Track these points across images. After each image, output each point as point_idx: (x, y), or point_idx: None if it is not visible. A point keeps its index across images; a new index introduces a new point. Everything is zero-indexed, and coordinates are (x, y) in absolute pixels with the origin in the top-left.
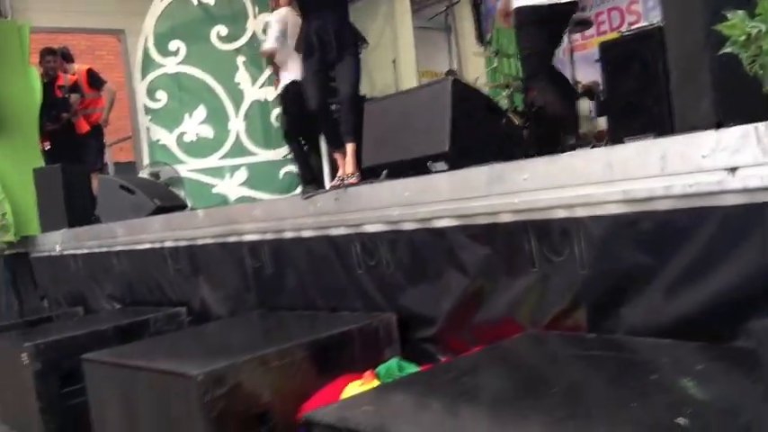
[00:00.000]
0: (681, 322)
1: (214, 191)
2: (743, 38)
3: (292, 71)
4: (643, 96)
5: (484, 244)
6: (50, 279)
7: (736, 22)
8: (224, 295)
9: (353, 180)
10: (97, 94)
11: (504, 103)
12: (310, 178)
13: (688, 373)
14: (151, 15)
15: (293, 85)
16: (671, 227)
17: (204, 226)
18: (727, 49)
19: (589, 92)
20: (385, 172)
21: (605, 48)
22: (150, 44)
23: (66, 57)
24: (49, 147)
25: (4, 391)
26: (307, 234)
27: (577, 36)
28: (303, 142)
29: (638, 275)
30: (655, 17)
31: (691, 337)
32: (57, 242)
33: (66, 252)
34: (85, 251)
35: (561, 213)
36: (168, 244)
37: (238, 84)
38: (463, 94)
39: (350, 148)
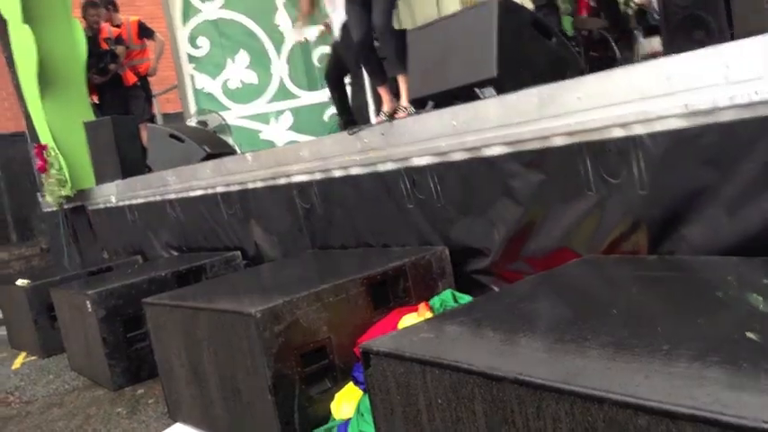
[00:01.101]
0: (746, 239)
1: (262, 137)
2: None
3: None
4: (700, 10)
5: (537, 170)
6: (108, 230)
7: None
8: (277, 237)
9: (403, 114)
10: (143, 45)
11: None
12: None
13: (755, 288)
14: None
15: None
16: (736, 139)
17: (253, 169)
18: None
19: (641, 11)
20: (431, 103)
21: None
22: None
23: (114, 6)
24: (97, 100)
25: (73, 339)
26: (355, 171)
27: None
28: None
29: (701, 193)
30: None
31: (756, 254)
32: (112, 194)
33: (121, 203)
34: (140, 201)
35: (618, 132)
36: (220, 189)
37: (278, 26)
38: (510, 14)
39: (401, 80)
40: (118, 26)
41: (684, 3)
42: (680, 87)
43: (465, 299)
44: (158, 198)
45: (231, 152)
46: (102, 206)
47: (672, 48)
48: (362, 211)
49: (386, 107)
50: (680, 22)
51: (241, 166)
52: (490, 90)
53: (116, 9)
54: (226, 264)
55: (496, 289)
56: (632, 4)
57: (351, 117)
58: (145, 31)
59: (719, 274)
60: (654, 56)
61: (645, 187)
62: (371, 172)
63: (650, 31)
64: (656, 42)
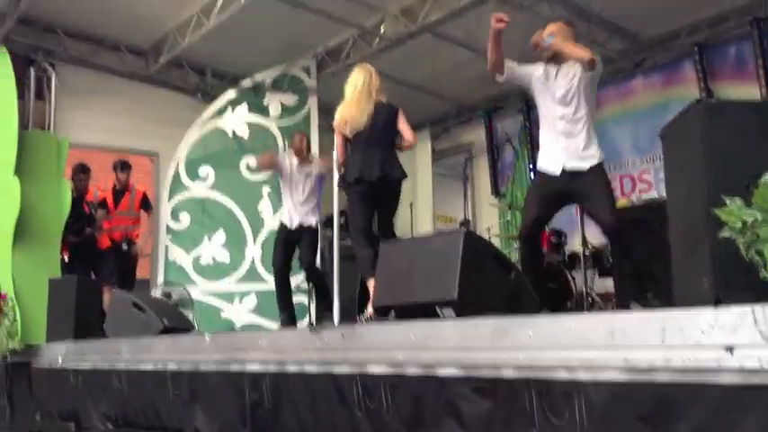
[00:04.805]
0: None
1: (222, 315)
2: (739, 225)
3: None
4: (650, 264)
5: (485, 398)
6: (47, 391)
7: (732, 209)
8: (218, 426)
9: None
10: (138, 215)
11: (514, 255)
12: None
13: None
14: (186, 141)
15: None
16: (669, 400)
17: (209, 351)
18: (725, 234)
19: (597, 253)
20: (392, 313)
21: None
22: (181, 168)
23: (124, 166)
24: (67, 258)
25: None
26: (310, 369)
27: None
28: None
29: None
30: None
31: None
32: (60, 354)
33: (67, 365)
34: (87, 367)
35: (563, 374)
36: (171, 366)
37: (261, 212)
38: (475, 246)
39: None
40: (125, 189)
41: (635, 256)
42: (621, 342)
43: None
44: (106, 366)
45: (189, 328)
46: (46, 366)
47: (621, 297)
48: (310, 412)
49: (370, 308)
50: (630, 273)
51: (197, 347)
52: (449, 311)
53: (123, 169)
54: None
55: None
56: (590, 246)
57: (291, 312)
58: (146, 204)
59: None
60: (606, 296)
61: None
62: (326, 372)
63: (604, 273)
64: (609, 283)
